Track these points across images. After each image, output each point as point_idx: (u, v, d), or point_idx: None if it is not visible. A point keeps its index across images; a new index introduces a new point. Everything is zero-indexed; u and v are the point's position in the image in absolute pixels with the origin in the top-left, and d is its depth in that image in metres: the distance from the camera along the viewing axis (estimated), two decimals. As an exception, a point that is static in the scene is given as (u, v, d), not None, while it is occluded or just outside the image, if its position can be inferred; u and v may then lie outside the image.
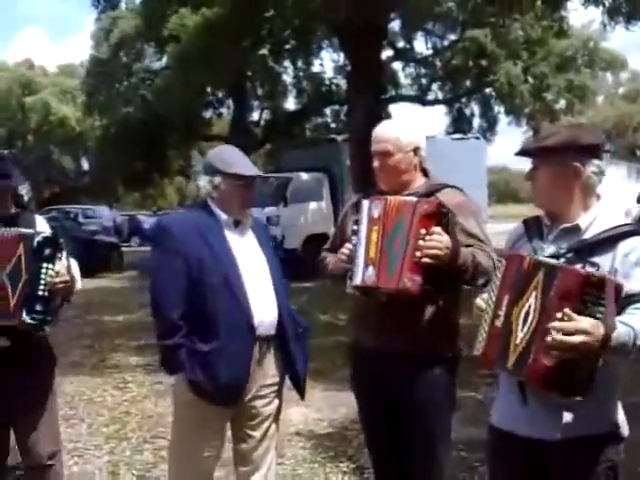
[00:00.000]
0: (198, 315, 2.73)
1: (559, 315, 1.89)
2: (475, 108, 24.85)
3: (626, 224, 2.17)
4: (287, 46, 19.97)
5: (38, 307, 2.78)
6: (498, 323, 2.08)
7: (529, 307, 2.00)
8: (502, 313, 2.07)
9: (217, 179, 2.84)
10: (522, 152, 2.35)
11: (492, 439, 2.30)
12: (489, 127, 24.39)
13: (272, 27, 16.54)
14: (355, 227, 2.77)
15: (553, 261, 2.05)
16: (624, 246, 2.07)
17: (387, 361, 2.79)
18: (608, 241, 2.09)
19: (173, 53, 16.70)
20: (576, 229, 2.18)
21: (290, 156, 18.52)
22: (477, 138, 21.29)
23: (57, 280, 2.83)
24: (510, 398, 2.19)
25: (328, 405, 5.61)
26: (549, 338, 1.89)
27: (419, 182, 2.87)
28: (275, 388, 2.94)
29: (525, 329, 2.00)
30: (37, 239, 2.83)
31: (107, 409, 5.65)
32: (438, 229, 2.60)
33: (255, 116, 24.91)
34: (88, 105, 21.39)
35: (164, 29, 16.02)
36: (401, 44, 22.85)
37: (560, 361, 1.89)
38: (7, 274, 2.78)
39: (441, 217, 2.63)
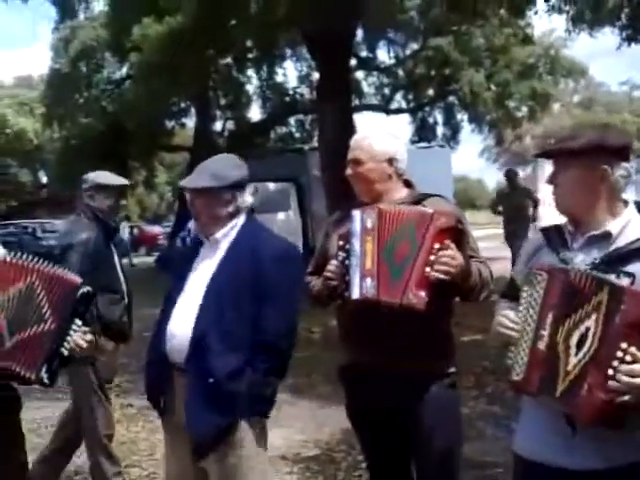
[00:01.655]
0: None
1: (623, 346, 1.71)
2: (438, 116, 24.98)
3: None
4: (250, 55, 19.76)
5: (54, 366, 2.42)
6: (541, 346, 1.89)
7: (586, 330, 1.80)
8: (546, 334, 1.88)
9: None
10: (544, 154, 2.21)
11: (521, 471, 2.11)
12: (452, 135, 24.51)
13: (235, 36, 16.35)
14: (341, 242, 2.61)
15: (614, 279, 1.84)
16: None
17: (385, 382, 2.63)
18: None
19: (135, 63, 16.37)
20: (606, 236, 2.02)
21: (256, 166, 18.24)
22: (442, 146, 21.34)
23: (81, 343, 2.47)
24: (541, 426, 2.00)
25: (311, 425, 5.40)
26: (610, 372, 1.71)
27: (400, 193, 2.76)
28: None
29: (581, 355, 1.79)
30: (82, 290, 2.47)
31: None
32: (453, 245, 2.44)
33: (219, 126, 24.64)
34: (47, 117, 20.88)
35: (126, 39, 15.69)
36: (364, 53, 22.87)
37: (616, 397, 1.72)
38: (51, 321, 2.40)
39: (456, 233, 2.48)
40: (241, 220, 2.69)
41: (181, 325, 2.58)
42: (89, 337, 2.47)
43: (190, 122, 23.47)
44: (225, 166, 2.67)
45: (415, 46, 22.39)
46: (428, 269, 2.41)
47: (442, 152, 20.89)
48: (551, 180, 2.11)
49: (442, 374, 2.70)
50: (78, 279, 2.46)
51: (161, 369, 2.66)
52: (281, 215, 15.89)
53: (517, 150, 44.40)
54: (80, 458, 4.82)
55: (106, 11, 16.64)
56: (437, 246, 2.42)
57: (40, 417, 5.72)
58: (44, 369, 2.37)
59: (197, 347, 2.52)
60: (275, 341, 2.58)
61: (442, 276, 2.41)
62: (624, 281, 1.81)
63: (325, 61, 12.41)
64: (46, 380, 2.38)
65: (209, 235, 2.69)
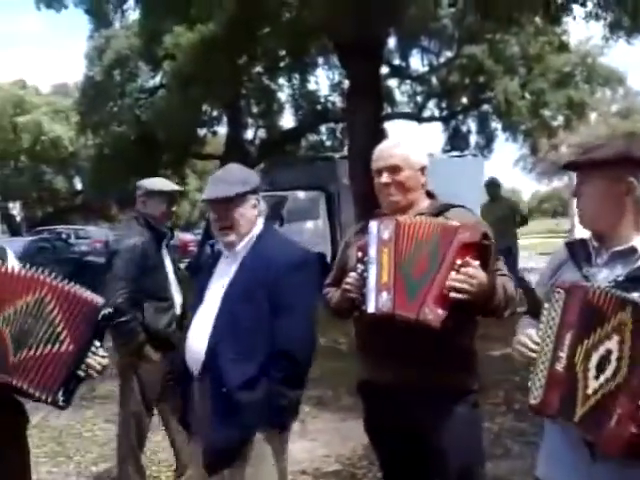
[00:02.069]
0: None
1: None
2: (472, 125, 24.74)
3: None
4: (282, 64, 19.80)
5: (71, 388, 2.28)
6: (559, 367, 1.78)
7: (607, 353, 1.67)
8: (564, 355, 1.77)
9: None
10: (569, 165, 2.08)
11: None
12: (486, 144, 24.23)
13: (267, 45, 16.39)
14: (360, 254, 2.51)
15: (638, 298, 1.72)
16: None
17: (405, 399, 2.53)
18: None
19: (168, 71, 16.51)
20: (631, 252, 1.90)
21: (286, 174, 18.28)
22: (475, 155, 21.13)
23: (98, 366, 2.30)
24: (562, 451, 1.87)
25: (334, 438, 5.27)
26: None
27: (424, 203, 2.67)
28: None
29: (602, 379, 1.67)
30: (104, 311, 2.31)
31: (97, 445, 5.29)
32: (476, 263, 2.30)
33: (250, 134, 24.71)
34: (81, 124, 21.16)
35: (159, 47, 15.84)
36: (397, 61, 22.81)
37: None
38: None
39: (481, 249, 2.34)
40: (258, 228, 2.66)
41: (199, 335, 2.56)
42: (106, 361, 2.33)
43: (222, 130, 23.59)
44: (243, 172, 2.68)
45: (449, 54, 22.26)
46: (448, 284, 2.29)
47: (475, 161, 20.68)
48: (575, 192, 2.00)
49: (462, 392, 2.59)
50: (99, 299, 2.31)
51: (184, 381, 2.65)
52: (310, 224, 15.81)
53: (553, 159, 43.80)
54: (106, 463, 4.80)
55: (138, 20, 16.78)
56: (459, 262, 2.30)
57: (62, 425, 5.70)
58: (61, 392, 2.25)
59: (212, 356, 2.48)
60: (292, 350, 2.52)
61: (460, 295, 2.28)
62: None
63: (355, 69, 12.36)
64: (62, 403, 2.26)
65: (231, 244, 2.64)
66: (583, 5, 11.25)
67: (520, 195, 74.88)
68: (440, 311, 2.28)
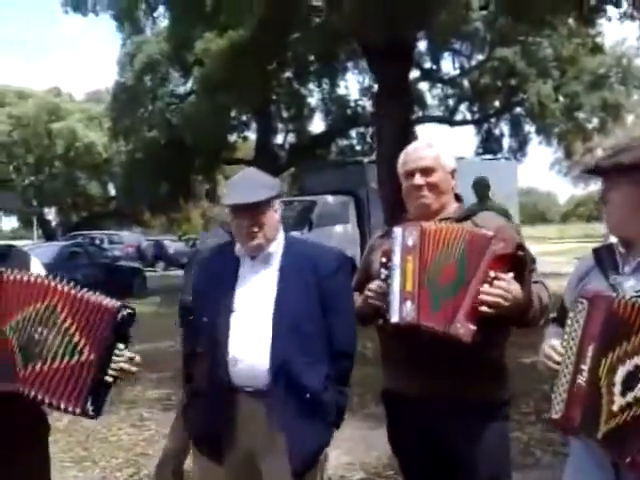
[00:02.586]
0: (196, 354, 2.61)
1: None
2: (505, 128, 24.52)
3: None
4: (312, 68, 19.82)
5: (102, 396, 2.22)
6: (581, 380, 1.70)
7: (636, 369, 1.59)
8: (586, 368, 1.68)
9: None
10: (594, 170, 1.98)
11: None
12: (519, 147, 23.96)
13: (297, 50, 16.42)
14: (384, 259, 2.43)
15: None
16: None
17: (432, 410, 2.45)
18: None
19: (198, 77, 16.63)
20: None
21: (315, 179, 18.28)
22: (507, 159, 20.93)
23: (126, 367, 2.23)
24: (589, 468, 1.79)
25: (360, 446, 5.19)
26: None
27: (452, 207, 2.58)
28: (281, 455, 2.43)
29: (630, 397, 1.58)
30: (123, 313, 2.23)
31: (122, 450, 5.28)
32: (509, 276, 2.20)
33: (280, 139, 24.81)
34: (114, 130, 21.43)
35: (189, 53, 15.96)
36: (428, 64, 22.70)
37: None
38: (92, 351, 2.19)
39: (516, 261, 2.24)
40: (282, 233, 2.61)
41: (249, 347, 2.44)
42: (137, 359, 2.27)
43: (252, 135, 23.69)
44: (266, 177, 2.62)
45: (480, 57, 22.08)
46: (480, 298, 2.19)
47: (508, 164, 20.49)
48: (601, 198, 1.91)
49: (491, 404, 2.50)
50: (117, 303, 2.23)
51: (221, 398, 2.47)
52: (339, 228, 15.77)
53: (589, 162, 43.21)
54: (131, 469, 4.80)
55: (167, 26, 16.94)
56: (493, 274, 2.19)
57: (88, 430, 5.71)
58: (89, 402, 2.19)
59: (283, 366, 2.40)
60: (349, 350, 2.57)
61: (491, 310, 2.19)
62: None
63: (384, 73, 12.29)
64: (91, 412, 2.20)
65: (260, 249, 2.54)
66: (617, 6, 11.05)
67: (556, 199, 74.17)
68: (472, 326, 2.19)
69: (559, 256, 13.97)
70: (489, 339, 2.33)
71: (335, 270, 2.55)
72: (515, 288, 2.20)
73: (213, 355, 2.48)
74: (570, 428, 1.77)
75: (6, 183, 32.18)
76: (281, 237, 2.59)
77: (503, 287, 2.18)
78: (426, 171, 2.53)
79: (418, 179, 2.52)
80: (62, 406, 2.18)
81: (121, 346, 2.23)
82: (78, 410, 2.18)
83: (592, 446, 1.77)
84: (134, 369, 2.26)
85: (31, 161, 32.52)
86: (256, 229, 2.49)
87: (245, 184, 2.56)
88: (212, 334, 2.49)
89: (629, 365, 1.61)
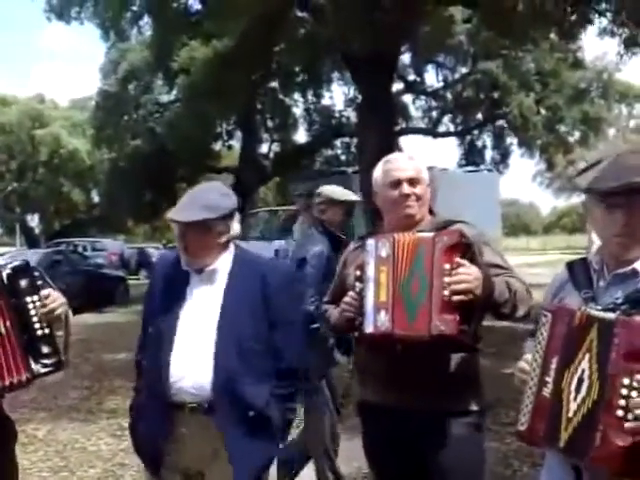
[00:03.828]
0: (142, 365, 2.59)
1: (626, 382, 1.54)
2: (487, 140, 24.76)
3: None
4: (297, 79, 19.89)
5: (45, 349, 2.22)
6: (546, 392, 1.72)
7: (582, 372, 1.64)
8: (550, 380, 1.72)
9: None
10: (608, 192, 1.84)
11: None
12: (501, 159, 24.20)
13: (282, 60, 16.48)
14: (358, 272, 2.44)
15: (608, 314, 1.68)
16: None
17: (404, 421, 2.47)
18: None
19: (183, 85, 16.62)
20: (632, 274, 1.82)
21: (299, 188, 18.31)
22: (490, 170, 21.11)
23: (51, 306, 2.25)
24: (561, 476, 1.82)
25: (340, 458, 5.18)
26: (620, 413, 1.54)
27: (427, 219, 2.60)
28: (225, 470, 2.41)
29: (579, 399, 1.64)
30: (5, 272, 2.24)
31: (101, 460, 5.25)
32: (464, 261, 2.25)
33: (265, 148, 24.84)
34: (97, 138, 21.34)
35: (173, 62, 15.94)
36: (411, 77, 22.89)
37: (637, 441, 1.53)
38: None
39: (464, 248, 2.29)
40: (232, 249, 2.57)
41: (190, 363, 2.41)
42: (53, 296, 2.27)
43: (237, 144, 23.68)
44: (216, 196, 2.51)
45: (464, 70, 22.31)
46: (446, 292, 2.22)
47: (489, 176, 20.64)
48: (623, 222, 1.82)
49: (461, 413, 2.50)
50: None
51: (162, 414, 2.43)
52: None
53: (571, 175, 43.59)
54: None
55: (150, 34, 16.89)
56: (447, 267, 2.24)
57: (67, 439, 5.67)
58: (32, 361, 2.20)
59: (225, 382, 2.37)
60: (297, 367, 2.53)
61: (463, 297, 2.22)
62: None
63: (367, 84, 12.39)
64: (43, 369, 2.22)
65: (201, 267, 2.50)
66: (600, 17, 11.21)
67: (539, 210, 74.64)
68: (449, 317, 2.21)
69: (543, 267, 14.04)
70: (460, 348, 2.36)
71: (284, 285, 2.55)
72: (474, 270, 2.24)
73: (156, 369, 2.44)
74: (535, 439, 1.79)
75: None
76: (229, 253, 2.55)
77: (462, 272, 2.23)
78: (412, 182, 2.54)
79: (407, 188, 2.53)
80: (9, 382, 2.18)
81: (34, 297, 2.24)
82: (27, 375, 2.19)
83: (560, 456, 1.80)
84: (54, 305, 2.25)
85: (14, 167, 32.31)
86: (193, 247, 2.46)
87: (193, 202, 2.50)
88: (156, 347, 2.46)
89: (579, 371, 1.66)
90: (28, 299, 2.24)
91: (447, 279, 2.23)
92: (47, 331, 2.24)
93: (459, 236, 2.30)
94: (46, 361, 2.22)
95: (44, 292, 2.28)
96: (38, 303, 2.24)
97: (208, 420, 2.39)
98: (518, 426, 1.80)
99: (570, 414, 1.66)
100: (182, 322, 2.46)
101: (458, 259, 2.26)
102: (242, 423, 2.38)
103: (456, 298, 2.21)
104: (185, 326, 2.46)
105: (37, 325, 2.23)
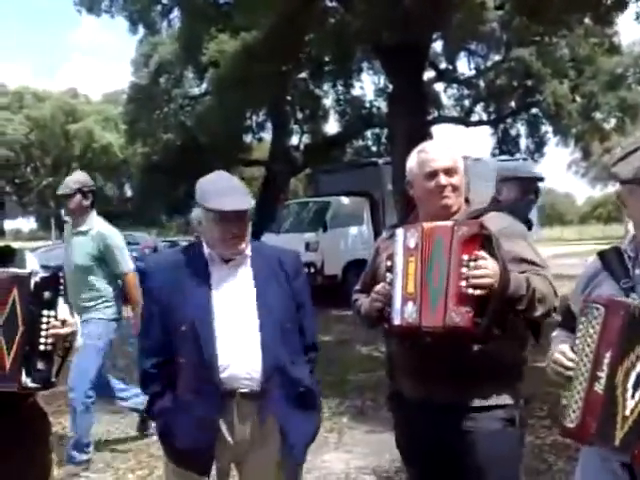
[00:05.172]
0: (172, 366, 2.51)
1: None
2: (521, 129, 24.39)
3: None
4: (327, 69, 19.81)
5: (40, 365, 2.20)
6: (598, 388, 1.66)
7: None
8: (603, 375, 1.66)
9: (201, 212, 2.58)
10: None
11: None
12: (537, 148, 23.80)
13: (312, 50, 16.42)
14: (389, 262, 2.42)
15: None
16: None
17: (437, 414, 2.42)
18: None
19: (212, 78, 16.67)
20: None
21: (330, 180, 18.22)
22: (524, 159, 20.76)
23: (62, 332, 2.22)
24: (602, 475, 1.75)
25: (371, 450, 5.15)
26: None
27: (462, 209, 2.55)
28: (271, 456, 2.53)
29: (637, 397, 1.58)
30: (34, 280, 2.22)
31: (132, 453, 5.28)
32: (483, 253, 2.20)
33: (295, 140, 24.83)
34: (130, 132, 21.54)
35: (203, 55, 15.99)
36: (443, 65, 22.63)
37: None
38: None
39: (484, 239, 2.23)
40: None
41: (239, 350, 2.47)
42: (71, 320, 2.25)
43: (267, 136, 23.72)
44: (242, 183, 2.64)
45: (496, 57, 22.00)
46: (463, 283, 2.18)
47: (524, 165, 20.32)
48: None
49: (495, 407, 2.44)
50: (23, 272, 2.23)
51: (211, 406, 2.46)
52: (354, 229, 15.68)
53: (607, 164, 42.81)
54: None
55: (179, 27, 16.96)
56: (466, 257, 2.20)
57: (100, 432, 5.71)
58: (23, 375, 2.17)
59: (274, 364, 2.48)
60: (316, 342, 2.74)
61: (479, 291, 2.17)
62: None
63: (398, 73, 12.27)
64: (31, 384, 2.19)
65: (242, 252, 2.56)
66: (637, 1, 10.93)
67: (574, 200, 73.55)
68: (464, 309, 2.17)
69: (577, 258, 13.78)
70: (499, 339, 2.28)
71: (298, 269, 2.71)
72: (492, 263, 2.19)
73: (201, 363, 2.44)
74: (585, 437, 1.73)
75: (24, 184, 32.54)
76: None
77: (481, 265, 2.18)
78: (449, 172, 2.49)
79: (444, 179, 2.48)
80: (2, 389, 2.17)
81: (51, 312, 2.22)
82: (16, 386, 2.17)
83: (602, 452, 1.74)
84: (65, 331, 2.23)
85: (48, 162, 32.83)
86: (242, 235, 2.52)
87: (234, 190, 2.53)
88: (194, 343, 2.44)
89: (638, 367, 1.60)
90: (45, 312, 2.22)
91: (465, 270, 2.19)
92: (49, 348, 2.22)
93: (479, 227, 2.24)
94: (37, 376, 2.20)
95: (61, 313, 2.25)
96: (52, 319, 2.22)
97: (254, 405, 2.47)
98: (566, 423, 1.75)
99: (627, 412, 1.60)
100: (218, 313, 2.49)
101: (477, 251, 2.21)
102: (292, 401, 2.52)
103: (472, 291, 2.17)
104: (222, 316, 2.49)
105: (42, 340, 2.21)
